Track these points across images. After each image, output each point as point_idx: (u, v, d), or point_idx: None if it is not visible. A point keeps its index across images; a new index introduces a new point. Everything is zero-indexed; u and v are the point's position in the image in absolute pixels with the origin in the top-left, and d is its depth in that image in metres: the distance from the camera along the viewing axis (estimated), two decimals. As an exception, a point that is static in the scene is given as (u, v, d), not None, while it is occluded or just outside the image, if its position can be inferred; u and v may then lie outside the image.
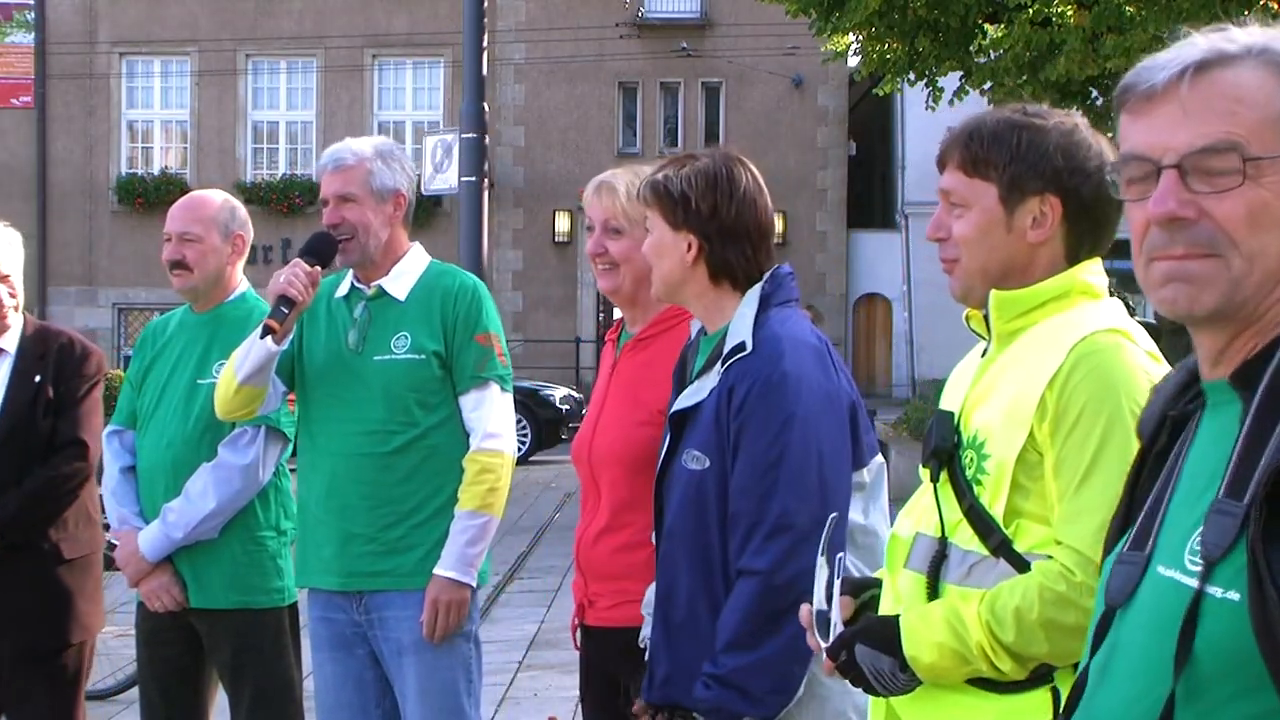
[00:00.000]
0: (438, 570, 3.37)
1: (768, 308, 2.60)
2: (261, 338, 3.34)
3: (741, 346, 2.54)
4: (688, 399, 2.60)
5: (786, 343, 2.54)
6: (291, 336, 3.45)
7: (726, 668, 2.44)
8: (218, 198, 3.97)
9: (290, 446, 3.87)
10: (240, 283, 3.94)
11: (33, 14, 25.88)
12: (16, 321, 4.01)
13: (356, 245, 3.47)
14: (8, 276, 3.91)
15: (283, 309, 3.32)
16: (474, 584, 3.42)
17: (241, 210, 3.96)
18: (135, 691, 4.85)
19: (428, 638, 3.38)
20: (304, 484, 3.58)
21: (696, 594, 2.58)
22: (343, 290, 3.55)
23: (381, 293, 3.49)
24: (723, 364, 2.55)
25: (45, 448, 3.90)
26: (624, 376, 3.04)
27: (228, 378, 3.44)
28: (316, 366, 3.51)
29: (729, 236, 2.64)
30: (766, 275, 2.65)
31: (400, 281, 3.50)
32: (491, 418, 3.42)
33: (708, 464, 2.55)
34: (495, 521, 3.43)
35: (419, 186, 3.69)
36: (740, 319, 2.59)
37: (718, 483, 2.54)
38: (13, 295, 3.93)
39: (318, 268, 3.39)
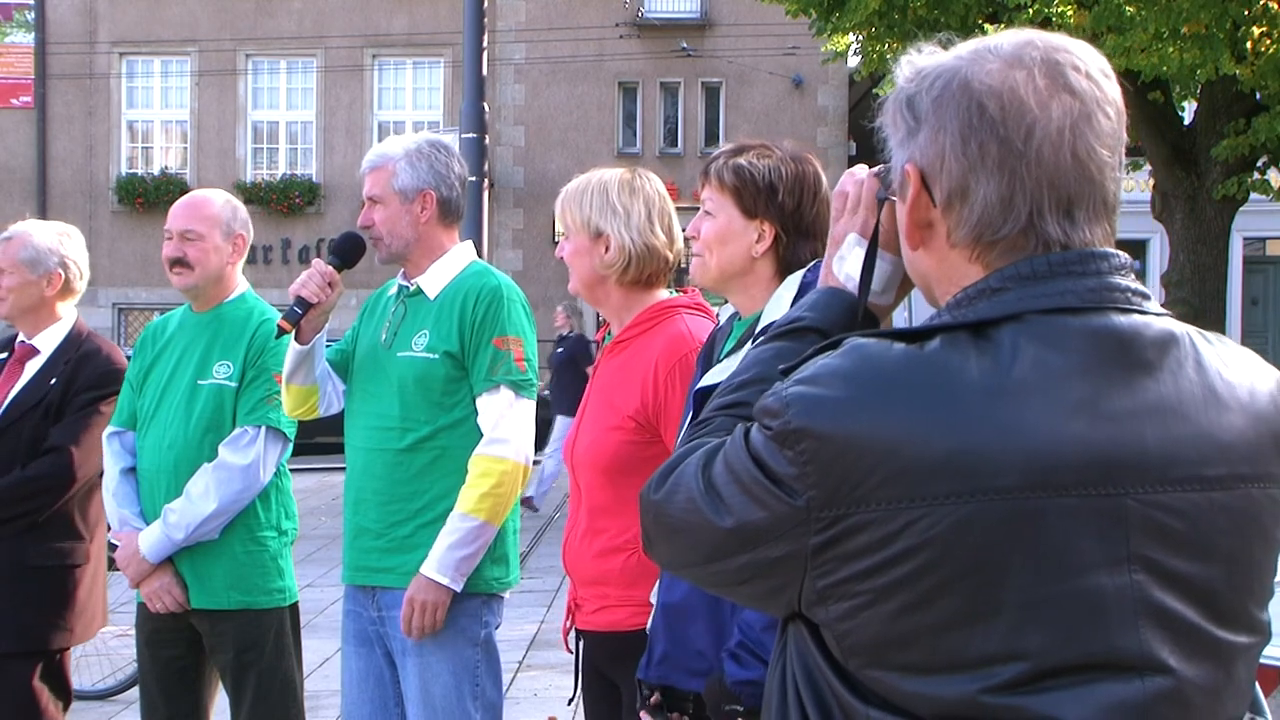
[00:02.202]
0: (422, 568, 3.35)
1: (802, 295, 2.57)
2: (276, 338, 3.44)
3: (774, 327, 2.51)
4: (711, 377, 2.55)
5: None
6: (321, 335, 3.51)
7: (764, 646, 2.39)
8: (219, 197, 3.96)
9: (291, 447, 3.88)
10: (240, 283, 3.95)
11: (33, 14, 25.87)
12: (63, 325, 4.01)
13: (383, 245, 3.53)
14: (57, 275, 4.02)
15: (296, 310, 3.39)
16: (454, 587, 3.34)
17: (243, 210, 3.96)
18: (135, 691, 4.85)
19: (406, 635, 3.37)
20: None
21: None
22: (395, 289, 3.60)
23: (418, 291, 3.53)
24: (754, 344, 2.52)
25: (32, 452, 3.86)
26: (602, 380, 3.06)
27: (283, 378, 3.56)
28: (358, 362, 3.57)
29: (804, 234, 2.62)
30: (810, 265, 2.62)
31: (434, 280, 3.52)
32: (499, 422, 3.39)
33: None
34: (489, 527, 3.36)
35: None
36: (776, 300, 2.55)
37: None
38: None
39: (331, 268, 3.45)
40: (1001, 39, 1.38)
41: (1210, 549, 1.30)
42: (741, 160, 2.61)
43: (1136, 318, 1.33)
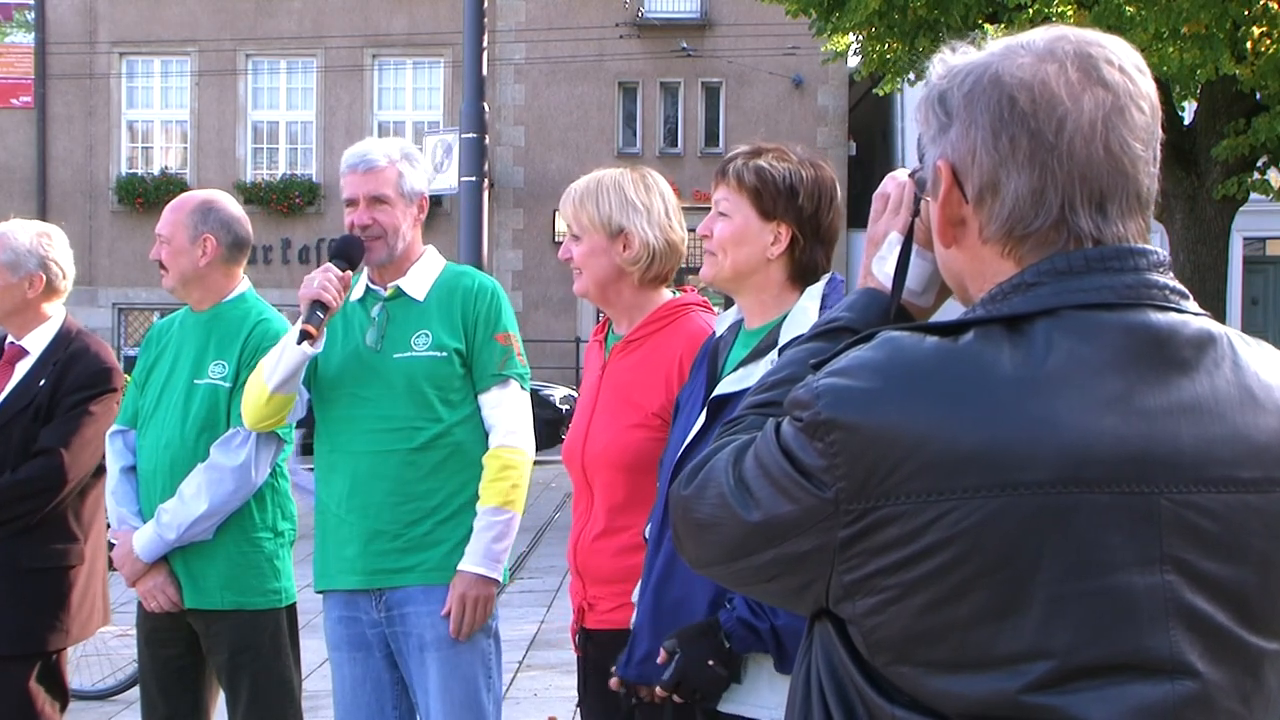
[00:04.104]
0: (464, 566, 3.41)
1: (823, 309, 2.60)
2: (298, 343, 3.36)
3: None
4: (732, 385, 2.56)
5: None
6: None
7: (781, 619, 2.41)
8: (196, 198, 3.92)
9: (289, 448, 3.87)
10: (240, 283, 3.93)
11: (33, 14, 25.87)
12: (51, 325, 3.99)
13: (384, 246, 3.51)
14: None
15: (318, 314, 3.35)
16: (500, 579, 3.46)
17: (221, 212, 3.87)
18: (135, 691, 4.84)
19: (454, 634, 3.41)
20: (323, 486, 3.58)
21: (698, 578, 2.54)
22: (358, 293, 3.58)
23: (399, 293, 3.53)
24: (780, 353, 2.53)
25: (22, 454, 3.84)
26: (614, 379, 3.04)
27: (258, 388, 3.46)
28: (334, 368, 3.54)
29: (819, 239, 2.65)
30: (826, 278, 2.66)
31: (418, 282, 3.54)
32: (512, 415, 3.49)
33: None
34: (517, 518, 3.48)
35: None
36: (802, 312, 2.57)
37: None
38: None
39: (349, 272, 3.43)
40: (1035, 35, 1.37)
41: (1243, 552, 1.28)
42: (761, 162, 2.63)
43: (1174, 316, 1.32)
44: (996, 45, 1.39)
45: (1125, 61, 1.35)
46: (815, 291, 2.62)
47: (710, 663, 2.45)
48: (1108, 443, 1.25)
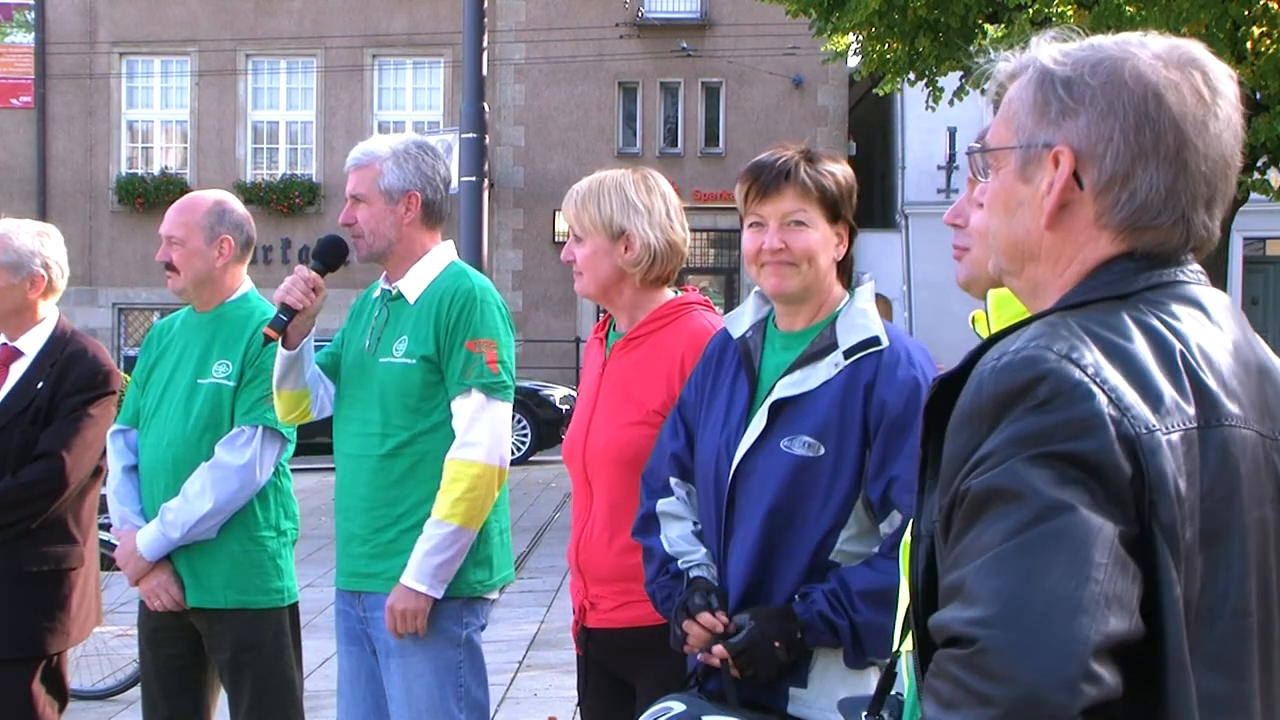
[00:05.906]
0: (401, 577, 3.35)
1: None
2: (264, 345, 3.42)
3: (875, 341, 2.56)
4: (792, 388, 2.56)
5: (919, 349, 2.60)
6: (308, 339, 3.50)
7: (862, 615, 2.45)
8: (208, 199, 3.93)
9: (291, 447, 3.87)
10: (243, 283, 3.94)
11: (33, 14, 25.87)
12: (46, 326, 3.99)
13: (363, 244, 3.51)
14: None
15: (282, 316, 3.39)
16: (434, 594, 3.33)
17: (235, 213, 3.90)
18: (135, 691, 4.85)
19: (393, 636, 3.39)
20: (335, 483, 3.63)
21: (791, 577, 2.54)
22: (378, 292, 3.60)
23: (399, 295, 3.52)
24: (847, 356, 2.56)
25: (22, 457, 3.83)
26: (615, 376, 3.04)
27: (273, 384, 3.54)
28: (345, 367, 3.56)
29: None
30: (868, 279, 2.70)
31: (414, 284, 3.50)
32: (471, 425, 3.36)
33: (822, 451, 2.52)
34: (464, 532, 3.33)
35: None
36: (860, 315, 2.61)
37: (832, 470, 2.52)
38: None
39: (316, 274, 3.45)
40: (1143, 39, 1.43)
41: None
42: (825, 167, 2.65)
43: (1220, 292, 1.42)
44: (1105, 41, 1.43)
45: (1227, 74, 1.43)
46: (867, 293, 2.65)
47: (777, 644, 2.47)
48: (1235, 386, 1.33)
